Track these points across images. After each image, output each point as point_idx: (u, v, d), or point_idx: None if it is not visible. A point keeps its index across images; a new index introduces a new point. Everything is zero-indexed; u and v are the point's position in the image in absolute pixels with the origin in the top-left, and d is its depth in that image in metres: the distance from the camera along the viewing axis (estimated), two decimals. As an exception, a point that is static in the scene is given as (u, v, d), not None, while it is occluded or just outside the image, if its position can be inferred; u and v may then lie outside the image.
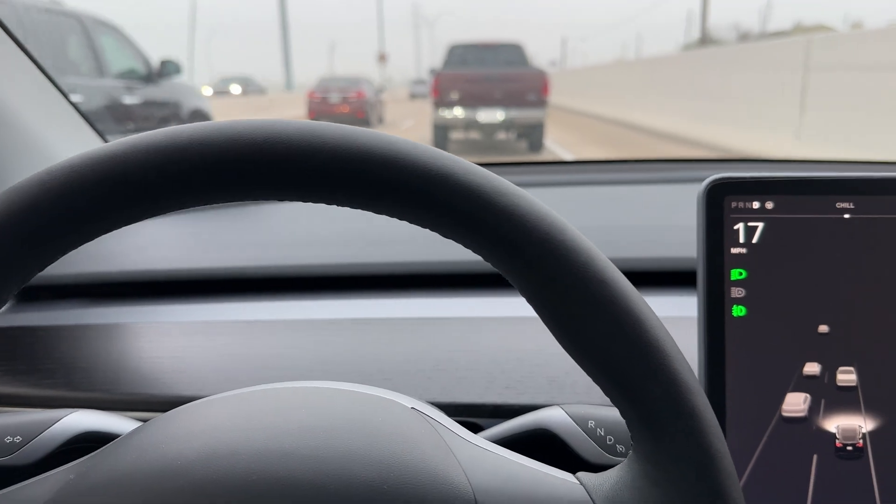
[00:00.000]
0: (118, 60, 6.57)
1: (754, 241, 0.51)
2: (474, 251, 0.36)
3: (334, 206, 0.36)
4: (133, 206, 0.34)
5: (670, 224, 0.95)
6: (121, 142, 0.34)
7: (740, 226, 0.51)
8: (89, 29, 6.22)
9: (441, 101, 11.32)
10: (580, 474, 0.40)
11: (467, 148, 12.40)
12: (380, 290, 0.87)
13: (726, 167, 1.23)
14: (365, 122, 16.80)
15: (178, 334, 0.78)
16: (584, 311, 0.34)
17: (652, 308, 0.36)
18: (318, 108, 17.93)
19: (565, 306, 0.35)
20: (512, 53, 12.87)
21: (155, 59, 6.81)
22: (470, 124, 11.73)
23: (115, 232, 0.37)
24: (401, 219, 0.35)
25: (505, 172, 1.11)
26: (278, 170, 0.33)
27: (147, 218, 0.35)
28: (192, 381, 0.69)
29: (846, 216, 0.51)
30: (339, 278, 0.89)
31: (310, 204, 0.36)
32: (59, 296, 0.90)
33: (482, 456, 0.42)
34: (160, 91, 6.97)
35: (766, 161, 2.34)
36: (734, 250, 0.51)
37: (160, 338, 0.78)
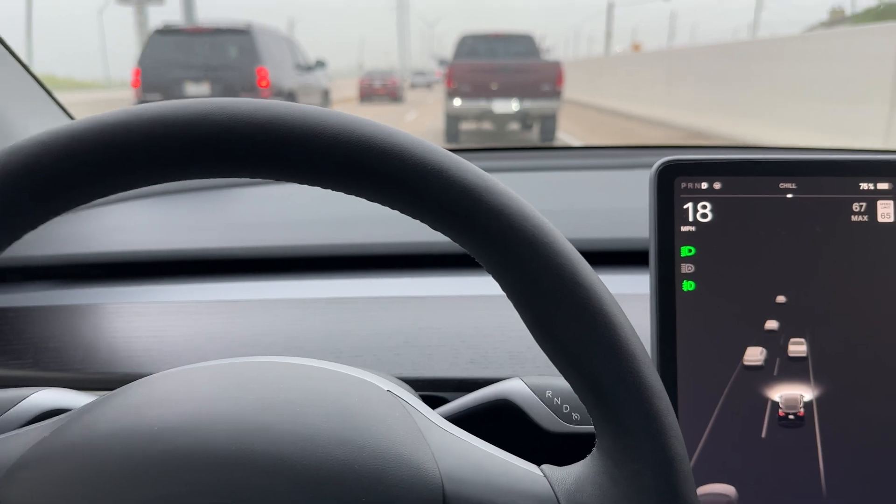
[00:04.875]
0: (297, 58, 11.30)
1: (703, 219, 0.52)
2: (461, 245, 0.36)
3: (304, 190, 0.35)
4: (136, 171, 0.33)
5: (628, 206, 0.95)
6: (126, 110, 0.34)
7: (689, 205, 0.52)
8: (291, 43, 11.38)
9: (455, 92, 10.89)
10: (544, 467, 0.40)
11: (478, 138, 12.26)
12: (350, 271, 0.87)
13: (681, 153, 1.21)
14: (398, 100, 26.15)
15: (153, 314, 0.76)
16: (562, 311, 0.34)
17: (623, 311, 0.36)
18: (367, 91, 26.67)
19: (544, 305, 0.35)
20: (523, 44, 12.30)
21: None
22: (484, 115, 11.38)
23: (85, 215, 0.35)
24: (391, 208, 0.35)
25: (471, 158, 1.06)
26: (280, 151, 0.33)
27: (149, 185, 0.34)
28: (168, 359, 0.67)
29: (789, 196, 0.52)
30: (311, 259, 0.88)
31: (281, 187, 0.35)
32: (28, 278, 0.86)
33: (452, 443, 0.41)
34: (313, 77, 11.83)
35: (718, 147, 2.31)
36: (684, 228, 0.52)
37: (135, 318, 0.76)
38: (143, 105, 0.34)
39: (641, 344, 0.36)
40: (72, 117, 1.03)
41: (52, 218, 0.35)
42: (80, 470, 0.37)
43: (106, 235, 0.92)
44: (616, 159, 1.18)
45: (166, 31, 9.45)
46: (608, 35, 46.74)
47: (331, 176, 0.34)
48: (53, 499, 0.37)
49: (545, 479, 0.39)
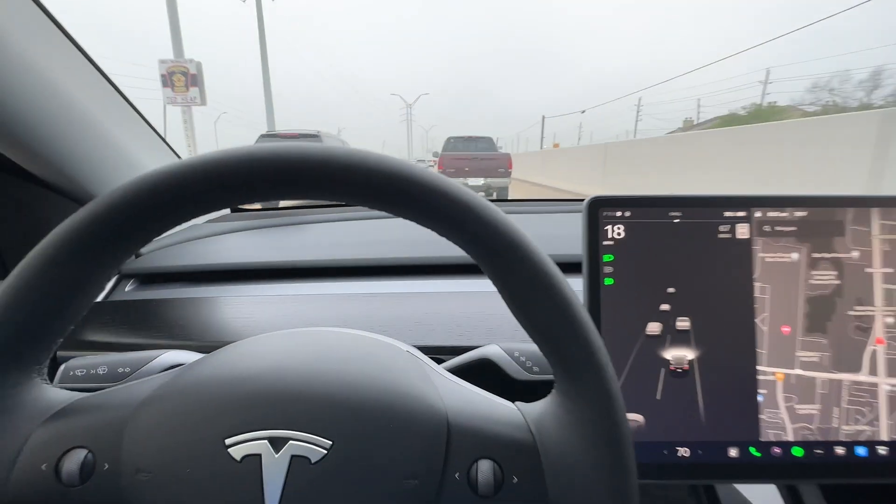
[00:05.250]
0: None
1: (618, 236, 0.57)
2: (461, 247, 0.37)
3: (351, 225, 0.36)
4: (261, 192, 0.35)
5: (557, 234, 1.05)
6: (242, 148, 0.35)
7: (609, 227, 0.57)
8: (344, 143, 11.63)
9: (444, 172, 13.01)
10: (517, 403, 0.43)
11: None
12: (379, 276, 0.96)
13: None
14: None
15: (247, 304, 0.85)
16: (533, 293, 0.37)
17: (575, 292, 0.38)
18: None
19: (521, 289, 0.37)
20: (486, 142, 15.66)
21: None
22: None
23: (202, 241, 0.36)
24: (412, 220, 0.37)
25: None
26: (342, 181, 0.35)
27: (261, 201, 0.35)
28: (257, 331, 0.73)
29: (676, 220, 0.57)
30: (354, 268, 0.97)
31: (331, 222, 0.38)
32: (166, 280, 0.97)
33: (453, 387, 0.45)
34: None
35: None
36: (605, 242, 0.57)
37: (235, 306, 0.84)
38: (256, 146, 0.35)
39: (588, 314, 0.38)
40: (178, 156, 1.11)
41: (199, 215, 0.36)
42: (188, 404, 0.41)
43: (217, 253, 1.01)
44: (547, 207, 1.29)
45: (267, 136, 11.37)
46: (542, 137, 54.62)
47: (374, 199, 0.36)
48: (168, 424, 0.40)
49: (518, 411, 0.42)
